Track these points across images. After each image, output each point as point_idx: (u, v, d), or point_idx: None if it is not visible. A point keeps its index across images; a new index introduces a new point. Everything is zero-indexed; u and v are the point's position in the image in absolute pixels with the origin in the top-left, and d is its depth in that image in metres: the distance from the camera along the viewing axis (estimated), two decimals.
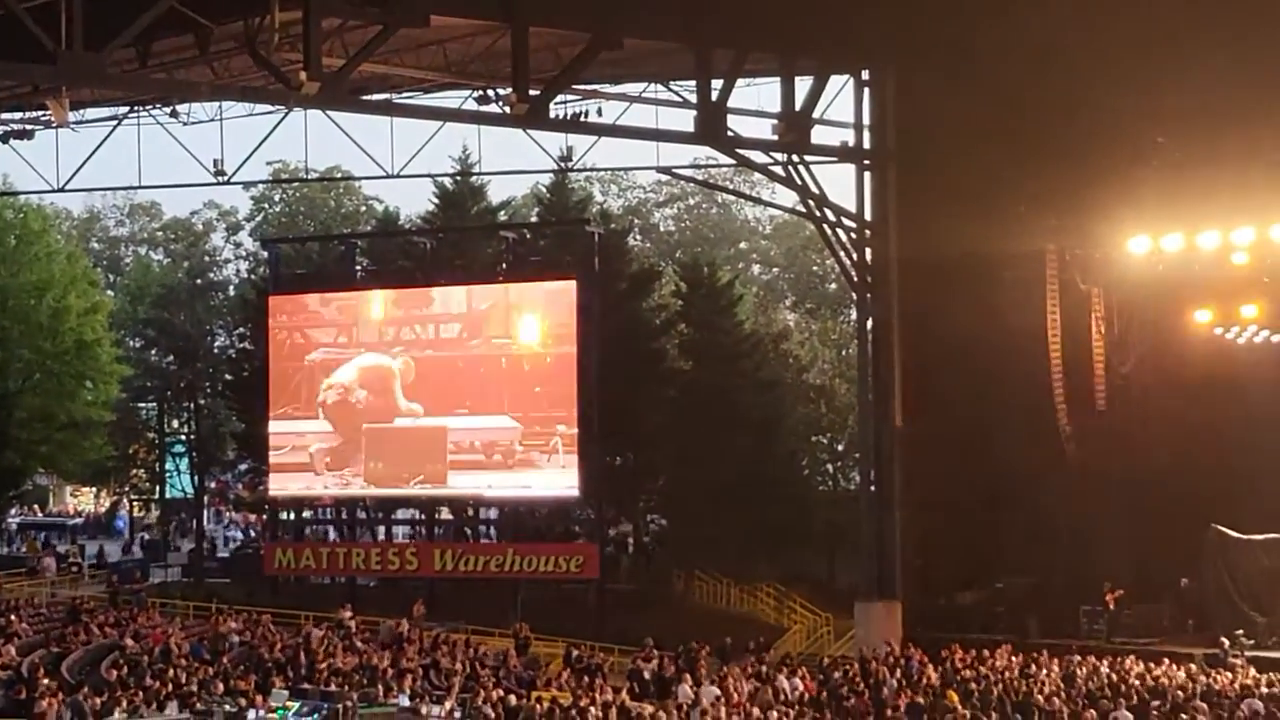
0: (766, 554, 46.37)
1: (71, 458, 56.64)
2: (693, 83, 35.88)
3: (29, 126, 43.29)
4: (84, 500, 77.52)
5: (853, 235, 37.91)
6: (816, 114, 36.96)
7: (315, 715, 25.75)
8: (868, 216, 37.80)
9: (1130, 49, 32.57)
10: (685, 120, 36.96)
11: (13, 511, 64.41)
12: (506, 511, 45.68)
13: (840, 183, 38.77)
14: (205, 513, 61.22)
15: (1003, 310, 35.51)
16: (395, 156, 44.91)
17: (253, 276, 63.33)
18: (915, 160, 37.19)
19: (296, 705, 26.18)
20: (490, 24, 33.33)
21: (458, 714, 26.67)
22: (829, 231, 38.17)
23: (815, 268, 66.05)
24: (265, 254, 54.48)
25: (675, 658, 32.41)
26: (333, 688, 27.82)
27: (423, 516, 47.79)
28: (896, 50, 36.98)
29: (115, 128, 45.81)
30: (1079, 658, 30.83)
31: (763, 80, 38.71)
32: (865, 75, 38.17)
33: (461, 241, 51.08)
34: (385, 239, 55.24)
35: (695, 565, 46.90)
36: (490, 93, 39.55)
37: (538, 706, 26.35)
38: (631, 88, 41.43)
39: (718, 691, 27.97)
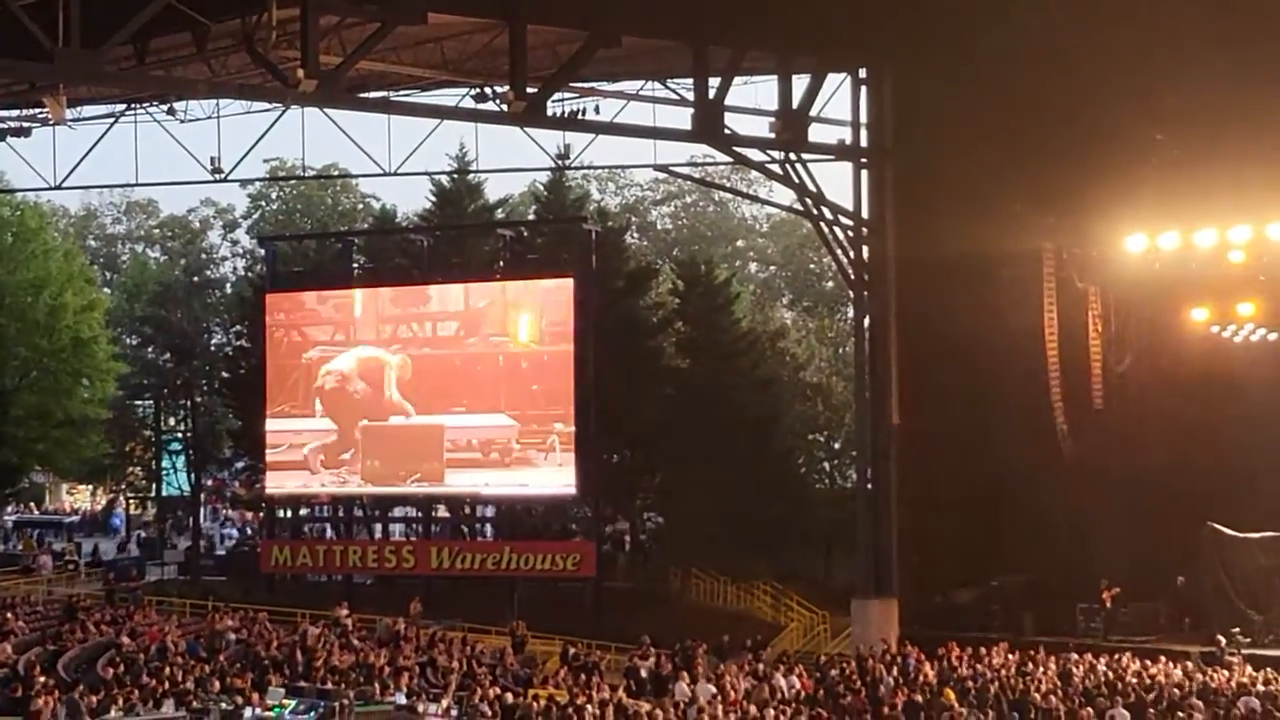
0: (763, 552, 46.33)
1: (68, 455, 56.65)
2: (690, 81, 35.87)
3: (26, 124, 43.30)
4: (80, 498, 77.50)
5: (850, 233, 37.91)
6: (814, 112, 36.96)
7: (312, 713, 25.78)
8: (865, 214, 37.80)
9: (1127, 47, 32.57)
10: (683, 118, 36.98)
11: (9, 509, 64.45)
12: (503, 509, 45.73)
13: (837, 181, 38.81)
14: (202, 511, 61.25)
15: (1000, 309, 35.51)
16: (392, 154, 45.00)
17: (250, 274, 63.35)
18: (912, 158, 37.20)
19: (293, 703, 26.21)
20: (488, 21, 33.33)
21: (454, 712, 26.68)
22: (826, 230, 38.17)
23: (812, 266, 66.03)
24: (262, 251, 54.51)
25: (672, 656, 32.40)
26: (329, 686, 27.85)
27: (420, 514, 47.80)
28: (894, 48, 36.98)
29: (112, 125, 45.93)
30: (1076, 656, 30.84)
31: (760, 78, 38.71)
32: (862, 73, 38.15)
33: (459, 239, 51.12)
34: (382, 237, 55.27)
35: (692, 563, 46.92)
36: (488, 90, 39.52)
37: (534, 704, 26.35)
38: (629, 85, 41.45)
39: (714, 689, 27.99)
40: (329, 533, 50.24)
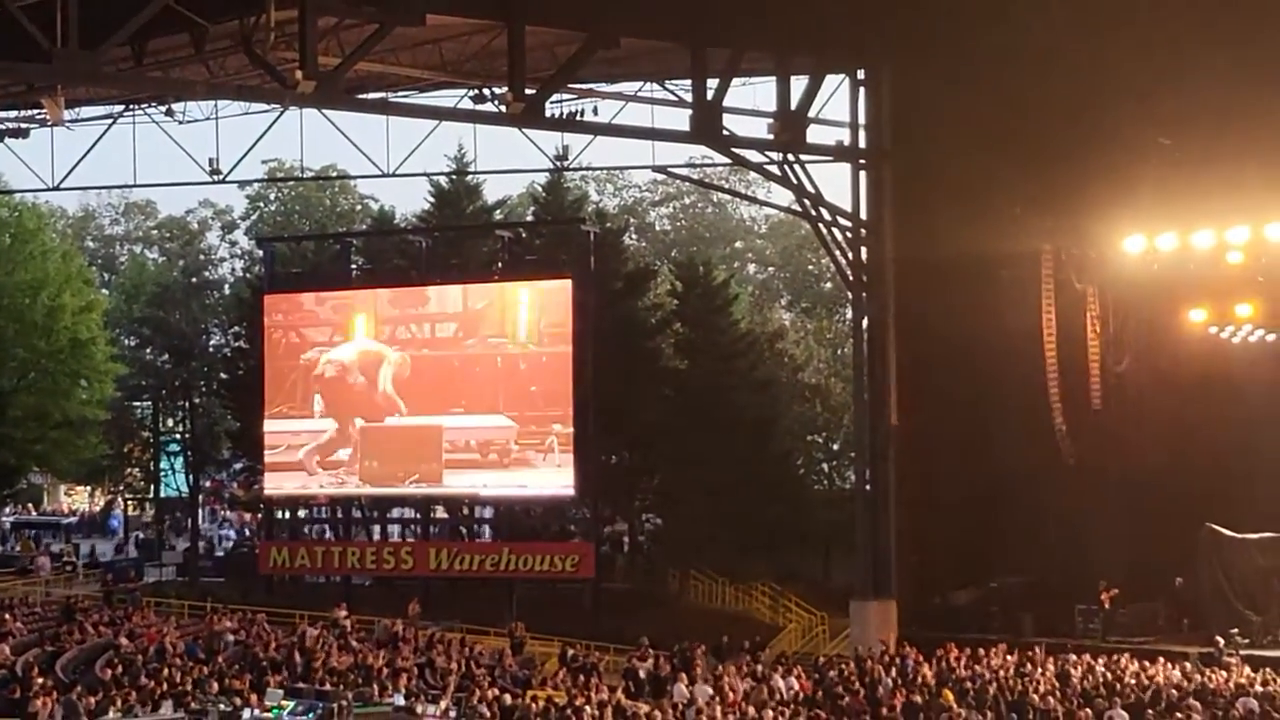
0: (762, 553, 46.33)
1: (66, 456, 56.64)
2: (688, 82, 35.87)
3: (24, 125, 43.34)
4: (79, 499, 77.45)
5: (848, 234, 37.90)
6: (812, 113, 36.94)
7: (310, 714, 25.74)
8: (863, 216, 37.79)
9: (1125, 48, 32.56)
10: (681, 119, 37.00)
11: (7, 510, 64.44)
12: (502, 510, 45.72)
13: (836, 182, 38.79)
14: (200, 512, 61.21)
15: (998, 309, 35.49)
16: (391, 155, 45.02)
17: (248, 275, 63.33)
18: (911, 159, 37.20)
19: (291, 704, 26.17)
20: (486, 23, 33.34)
21: (453, 713, 26.66)
22: (824, 231, 38.16)
23: (810, 267, 66.05)
24: (260, 253, 54.46)
25: (671, 657, 32.39)
26: (328, 687, 27.81)
27: (418, 515, 47.75)
28: (892, 49, 36.98)
29: (110, 126, 45.91)
30: (1074, 656, 30.85)
31: (758, 79, 38.72)
32: (861, 74, 38.16)
33: (457, 240, 51.12)
34: (381, 238, 55.29)
35: (691, 564, 46.89)
36: (486, 92, 39.54)
37: (533, 706, 26.33)
38: (627, 87, 41.43)
39: (713, 691, 27.98)
40: (327, 534, 50.25)
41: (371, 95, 39.95)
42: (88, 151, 46.42)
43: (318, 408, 45.20)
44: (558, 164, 46.87)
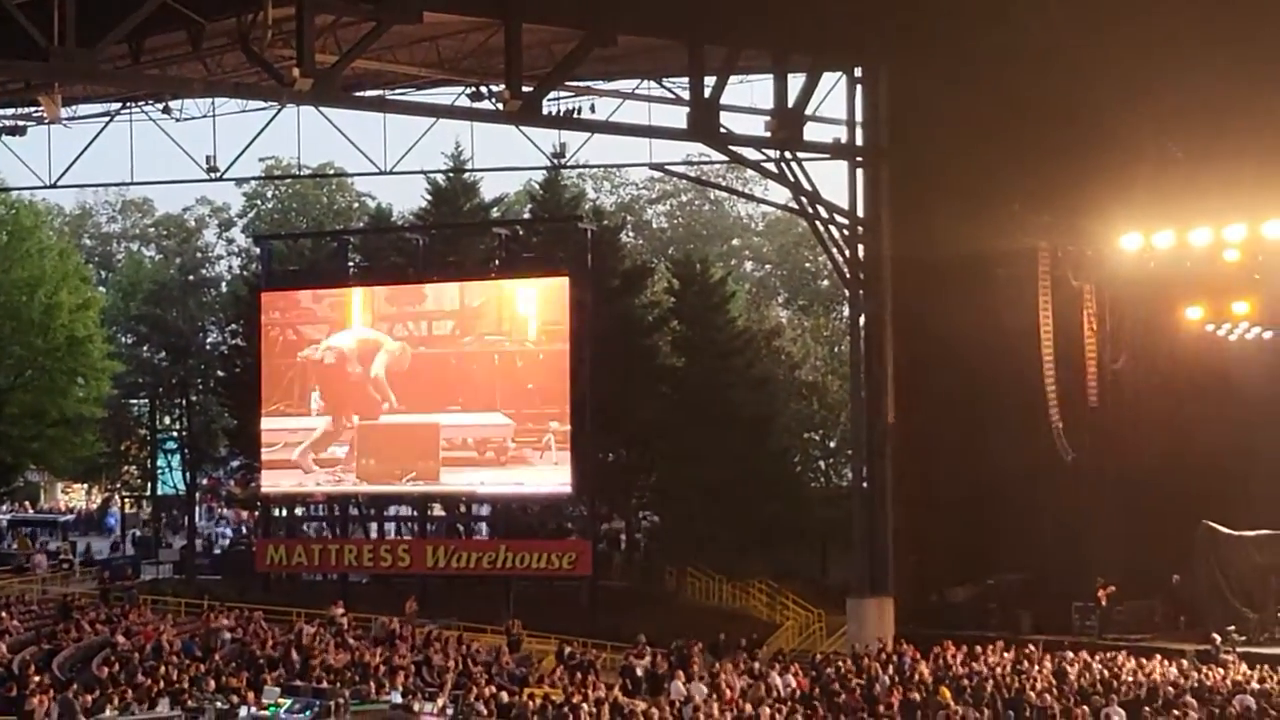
0: (759, 550, 46.36)
1: (63, 454, 56.65)
2: (685, 79, 35.87)
3: (21, 122, 43.27)
4: (75, 497, 77.40)
5: (845, 232, 37.92)
6: (809, 111, 36.99)
7: (307, 712, 25.71)
8: (860, 213, 37.82)
9: (1122, 47, 32.57)
10: (678, 117, 36.95)
11: (4, 508, 64.37)
12: (499, 508, 45.69)
13: (833, 180, 38.80)
14: (197, 509, 61.14)
15: (995, 307, 35.50)
16: (388, 153, 45.27)
17: (245, 273, 63.23)
18: (908, 157, 37.22)
19: (288, 702, 26.14)
20: (483, 20, 33.35)
21: (450, 711, 26.62)
22: (821, 228, 38.18)
23: (808, 264, 66.00)
24: (258, 250, 54.39)
25: (668, 654, 32.39)
26: (325, 685, 27.77)
27: (415, 513, 47.76)
28: (889, 47, 36.99)
29: (108, 124, 45.87)
30: (1071, 654, 30.87)
31: (755, 77, 38.77)
32: (858, 72, 38.20)
33: (454, 238, 51.08)
34: (378, 235, 55.26)
35: (688, 562, 46.89)
36: (483, 89, 39.44)
37: (530, 704, 26.31)
38: (624, 84, 41.40)
39: (709, 688, 27.98)
40: (324, 531, 50.22)
41: (369, 93, 39.97)
42: (85, 149, 46.46)
43: (315, 405, 45.18)
44: (555, 162, 46.90)
